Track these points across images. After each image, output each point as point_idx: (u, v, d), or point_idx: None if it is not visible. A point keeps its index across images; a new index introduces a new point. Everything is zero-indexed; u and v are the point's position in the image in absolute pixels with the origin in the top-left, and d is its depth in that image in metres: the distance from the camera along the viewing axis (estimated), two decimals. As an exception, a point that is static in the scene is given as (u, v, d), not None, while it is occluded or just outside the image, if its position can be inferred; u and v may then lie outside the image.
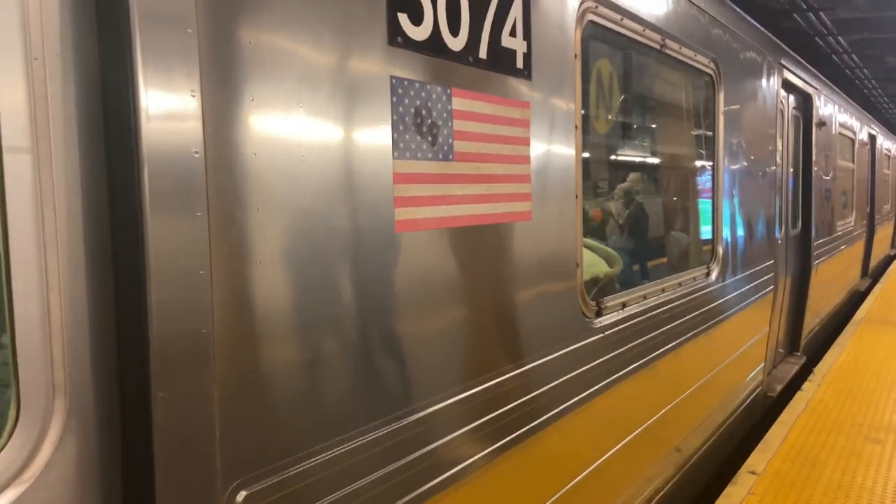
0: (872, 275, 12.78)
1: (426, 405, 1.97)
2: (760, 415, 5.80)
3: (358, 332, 1.77)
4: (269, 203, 1.52)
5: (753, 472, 4.32)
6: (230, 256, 1.45)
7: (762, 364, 5.69)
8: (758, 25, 5.31)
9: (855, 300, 10.77)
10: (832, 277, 8.49)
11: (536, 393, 2.47)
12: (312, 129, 1.62)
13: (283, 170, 1.55)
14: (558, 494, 2.71)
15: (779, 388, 6.06)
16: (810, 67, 7.19)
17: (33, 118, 1.17)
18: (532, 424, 2.46)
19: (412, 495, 1.91)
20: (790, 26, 12.11)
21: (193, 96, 1.35)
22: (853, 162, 10.05)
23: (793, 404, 5.58)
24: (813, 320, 7.60)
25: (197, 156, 1.36)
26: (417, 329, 1.96)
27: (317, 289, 1.65)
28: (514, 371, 2.36)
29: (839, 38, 13.59)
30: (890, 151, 15.16)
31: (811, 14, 11.55)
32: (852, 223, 9.96)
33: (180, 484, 1.35)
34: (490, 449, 2.25)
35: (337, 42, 1.69)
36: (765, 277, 5.42)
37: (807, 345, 7.36)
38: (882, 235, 13.99)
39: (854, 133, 10.06)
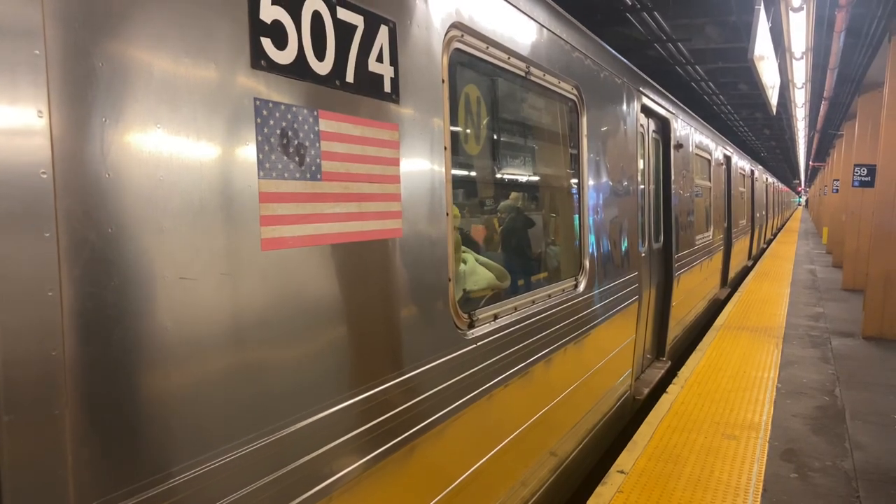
0: (731, 284, 13.85)
1: (297, 419, 2.00)
2: (629, 417, 6.16)
3: (224, 351, 1.77)
4: (124, 224, 1.51)
5: (622, 472, 4.57)
6: (82, 278, 1.42)
7: (630, 369, 6.01)
8: (617, 55, 5.64)
9: (716, 308, 11.65)
10: (693, 287, 9.10)
11: (413, 401, 2.56)
12: (171, 150, 1.63)
13: (140, 190, 1.55)
14: (437, 499, 2.79)
15: (646, 391, 6.43)
16: (667, 94, 7.76)
17: None
18: (410, 431, 2.54)
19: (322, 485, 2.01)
20: (653, 55, 12.97)
21: (41, 116, 1.34)
22: (710, 181, 10.80)
23: (658, 406, 5.94)
24: (676, 327, 8.11)
25: (45, 176, 1.35)
26: (288, 345, 1.99)
27: (178, 307, 1.64)
28: (391, 381, 2.44)
29: (697, 66, 14.66)
30: (744, 170, 16.43)
31: (670, 45, 12.41)
32: (711, 237, 10.73)
33: None
34: (369, 456, 2.31)
35: (197, 63, 1.70)
36: (630, 288, 5.73)
37: (672, 350, 7.86)
38: (739, 248, 15.13)
39: (710, 154, 10.77)
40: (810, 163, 40.58)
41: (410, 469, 2.60)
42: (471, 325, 3.06)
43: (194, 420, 1.69)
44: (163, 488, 1.58)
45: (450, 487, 2.89)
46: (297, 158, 2.00)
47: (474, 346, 3.03)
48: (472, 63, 3.24)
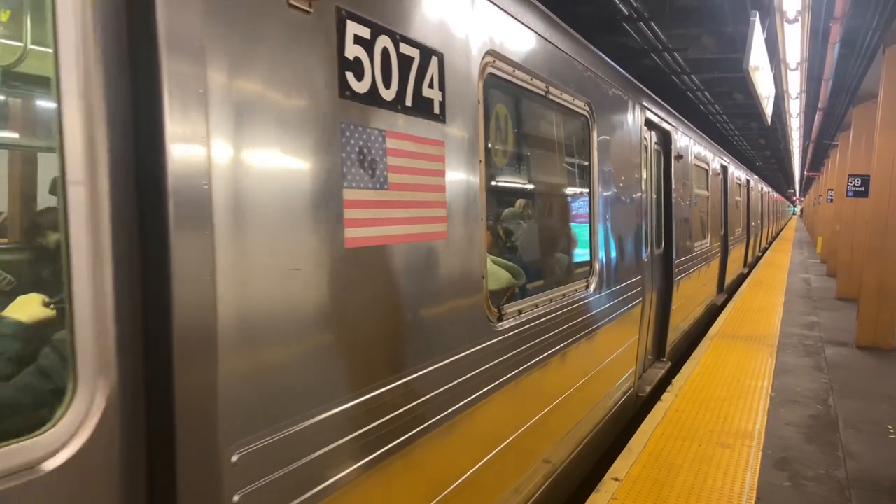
0: (728, 291, 14.11)
1: (374, 387, 2.39)
2: (633, 412, 6.41)
3: (318, 326, 2.14)
4: (252, 223, 1.87)
5: (616, 479, 4.59)
6: (228, 266, 1.78)
7: (633, 368, 6.31)
8: (623, 72, 5.96)
9: (713, 312, 11.87)
10: (691, 292, 9.42)
11: (455, 382, 2.93)
12: (285, 165, 2.00)
13: (263, 197, 1.91)
14: (480, 464, 3.23)
15: (648, 389, 6.68)
16: (668, 107, 8.08)
17: (88, 159, 1.53)
18: (451, 409, 2.90)
19: (374, 455, 2.38)
20: (650, 64, 13.05)
21: (203, 143, 1.71)
22: (708, 190, 11.17)
23: (653, 414, 5.96)
24: (676, 330, 8.38)
25: (205, 187, 1.71)
26: (363, 326, 2.36)
27: (291, 291, 2.01)
28: (439, 363, 2.81)
29: (693, 76, 14.76)
30: (740, 180, 16.79)
31: (667, 54, 12.49)
32: (708, 244, 11.02)
33: (195, 448, 1.70)
34: (428, 423, 2.73)
35: (301, 95, 2.06)
36: (634, 291, 6.03)
37: (671, 351, 8.13)
38: (735, 256, 15.42)
39: (708, 164, 11.14)
40: (805, 172, 40.77)
41: (457, 436, 3.00)
42: (500, 319, 3.40)
43: (299, 382, 2.05)
44: (280, 436, 1.97)
45: (489, 456, 3.32)
46: (370, 171, 2.36)
47: (502, 336, 3.38)
48: (501, 85, 3.58)
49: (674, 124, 8.06)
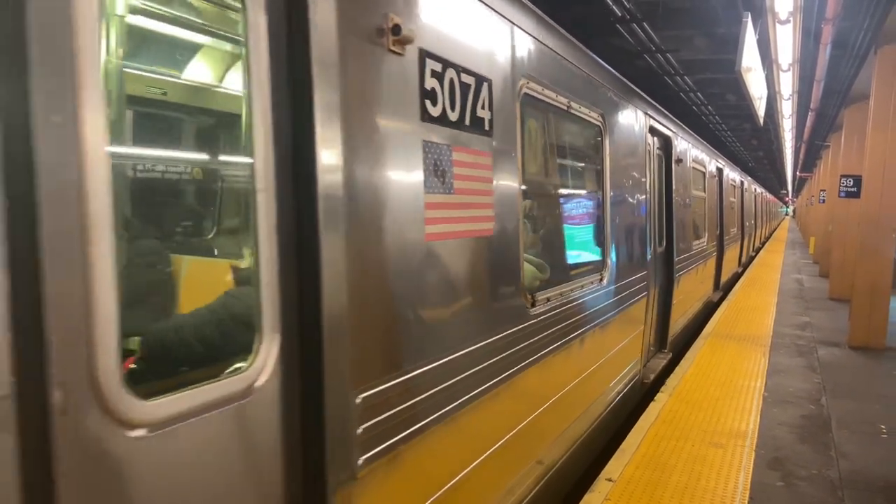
0: (723, 288, 14.44)
1: (448, 354, 2.95)
2: (639, 397, 6.89)
3: (409, 300, 2.67)
4: (367, 222, 2.41)
5: (610, 479, 4.59)
6: (351, 253, 2.30)
7: (639, 356, 6.83)
8: (631, 84, 6.47)
9: (710, 308, 12.15)
10: (690, 289, 9.86)
11: (499, 357, 3.44)
12: (386, 176, 2.51)
13: (373, 202, 2.43)
14: (522, 424, 3.81)
15: (652, 376, 7.17)
16: (669, 114, 8.46)
17: (267, 173, 2.06)
18: (497, 379, 3.42)
19: (455, 403, 2.98)
20: (643, 66, 13.06)
21: (339, 160, 2.24)
22: (704, 192, 11.53)
23: (646, 414, 5.96)
24: (677, 323, 8.83)
25: (340, 195, 2.24)
26: (439, 304, 2.93)
27: (389, 276, 2.53)
28: (490, 339, 3.33)
29: (685, 77, 14.79)
30: (735, 182, 17.14)
31: (660, 55, 12.51)
32: (705, 244, 11.39)
33: (335, 390, 2.23)
34: (484, 386, 3.28)
35: (400, 120, 2.60)
36: (640, 285, 6.56)
37: (672, 344, 8.53)
38: (731, 255, 15.74)
39: (705, 167, 11.52)
40: (797, 173, 40.93)
41: (501, 403, 3.52)
42: (533, 305, 3.92)
43: (397, 345, 2.61)
44: (386, 384, 2.52)
45: (527, 419, 3.89)
46: (441, 179, 2.87)
47: (535, 320, 3.91)
48: (533, 102, 4.08)
49: (674, 130, 8.55)
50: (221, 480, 1.91)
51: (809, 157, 30.36)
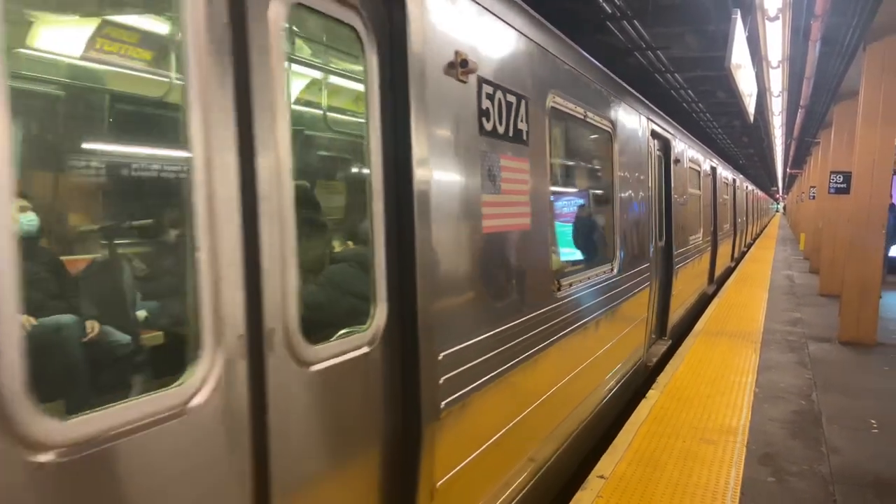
0: (717, 282, 14.98)
1: (497, 326, 3.57)
2: (643, 377, 7.53)
3: (475, 284, 3.34)
4: (444, 216, 2.99)
5: (602, 477, 4.59)
6: (433, 246, 2.88)
7: (643, 341, 7.49)
8: (635, 93, 7.13)
9: (704, 301, 12.73)
10: (687, 281, 10.60)
11: (531, 334, 4.03)
12: (456, 179, 3.15)
13: (446, 200, 3.03)
14: (548, 394, 4.40)
15: (654, 360, 7.89)
16: (668, 118, 9.17)
17: (379, 178, 2.69)
18: (530, 352, 4.00)
19: (500, 369, 3.58)
20: (634, 63, 13.06)
21: (426, 167, 2.83)
22: (700, 189, 12.05)
23: (638, 412, 5.97)
24: (675, 313, 9.53)
25: (426, 192, 2.83)
26: (494, 285, 3.57)
27: (460, 260, 3.19)
28: (528, 315, 3.97)
29: (676, 75, 14.80)
30: (728, 180, 17.62)
31: (650, 53, 12.52)
32: (700, 239, 12.00)
33: (426, 348, 2.84)
34: (520, 358, 3.87)
35: (463, 134, 3.21)
36: (644, 276, 7.19)
37: (671, 331, 9.18)
38: (724, 250, 16.20)
39: (700, 166, 12.04)
40: (788, 170, 41.09)
41: (533, 372, 4.11)
42: (558, 289, 4.55)
43: (464, 318, 3.26)
44: (459, 347, 3.17)
45: (556, 385, 4.56)
46: (493, 182, 3.50)
47: (559, 302, 4.53)
48: (558, 114, 4.64)
49: (672, 133, 9.23)
50: (353, 405, 2.57)
51: (799, 154, 30.48)
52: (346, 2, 2.45)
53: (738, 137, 29.89)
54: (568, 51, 4.84)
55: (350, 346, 2.52)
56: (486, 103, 3.36)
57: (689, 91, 17.10)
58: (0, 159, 1.41)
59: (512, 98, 3.67)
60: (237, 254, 2.01)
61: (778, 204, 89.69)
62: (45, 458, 1.42)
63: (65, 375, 2.31)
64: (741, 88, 9.68)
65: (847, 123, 12.40)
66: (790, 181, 53.93)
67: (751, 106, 12.05)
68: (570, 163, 5.81)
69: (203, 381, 1.88)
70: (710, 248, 13.44)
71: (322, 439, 2.37)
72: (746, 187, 26.70)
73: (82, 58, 3.37)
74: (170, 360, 1.99)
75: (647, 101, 7.72)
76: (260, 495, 2.04)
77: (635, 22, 10.78)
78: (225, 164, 1.97)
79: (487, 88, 3.38)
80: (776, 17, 7.54)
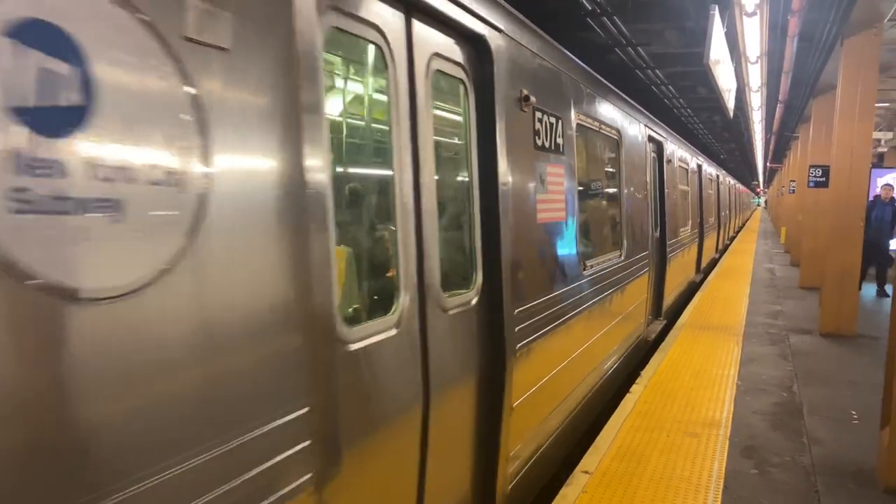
0: (703, 272, 15.89)
1: (547, 294, 4.62)
2: (644, 350, 8.60)
3: (531, 260, 4.32)
4: (516, 212, 3.98)
5: (586, 472, 4.61)
6: (509, 232, 3.83)
7: (644, 318, 8.54)
8: (637, 105, 8.39)
9: (692, 288, 13.79)
10: (678, 268, 11.65)
11: (566, 302, 5.03)
12: (522, 183, 4.15)
13: (515, 199, 4.01)
14: (576, 353, 5.37)
15: (653, 336, 9.02)
16: (662, 123, 10.40)
17: (475, 185, 3.71)
18: (564, 318, 4.97)
19: (548, 327, 4.60)
20: (615, 59, 13.13)
21: (506, 175, 3.84)
22: (688, 186, 13.11)
23: (622, 407, 6.00)
24: (669, 296, 10.58)
25: (507, 192, 3.84)
26: (545, 262, 4.64)
27: (523, 243, 4.14)
28: (564, 288, 5.01)
29: (657, 71, 14.88)
30: (712, 176, 18.52)
31: (630, 49, 12.57)
32: (689, 230, 13.02)
33: (507, 304, 3.82)
34: (557, 322, 4.82)
35: (525, 148, 4.22)
36: (644, 262, 8.24)
37: (666, 312, 10.27)
38: (709, 242, 17.06)
39: (687, 164, 13.15)
40: (768, 164, 41.44)
41: (566, 335, 5.08)
42: (584, 269, 5.58)
43: (532, 283, 4.35)
44: (526, 305, 4.19)
45: (582, 347, 5.54)
46: (542, 185, 4.52)
47: (585, 279, 5.56)
48: (581, 128, 5.65)
49: (665, 136, 10.45)
50: (467, 339, 3.56)
51: (779, 148, 30.75)
52: (461, 65, 3.52)
53: (719, 132, 30.13)
54: (588, 77, 5.96)
55: (465, 300, 3.52)
56: (537, 125, 4.44)
57: (670, 87, 17.21)
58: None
59: (553, 119, 4.76)
60: (412, 237, 3.04)
61: (759, 198, 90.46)
62: (350, 347, 2.55)
63: (362, 301, 3.25)
64: (720, 84, 9.75)
65: (825, 117, 12.53)
66: (771, 175, 54.40)
67: (730, 101, 12.14)
68: (589, 166, 6.62)
69: (402, 311, 2.95)
70: (697, 239, 14.39)
71: (451, 358, 3.39)
72: (729, 182, 27.40)
73: (340, 115, 3.96)
74: (389, 299, 2.98)
75: (646, 112, 9.14)
76: (425, 384, 3.12)
77: (615, 18, 10.83)
78: (407, 181, 3.01)
79: (538, 114, 4.45)
80: (754, 13, 7.60)
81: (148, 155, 1.69)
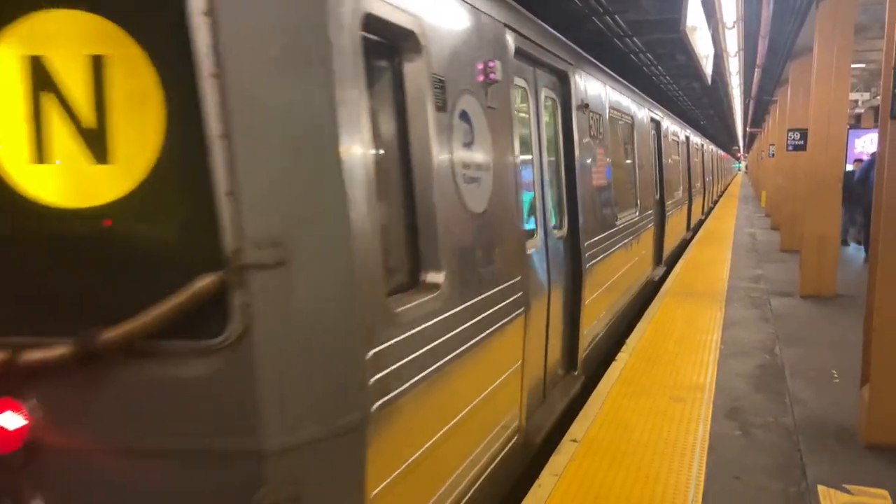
0: (692, 229, 17.73)
1: (599, 234, 6.54)
2: (652, 287, 10.43)
3: (595, 212, 6.48)
4: (584, 178, 6.04)
5: (574, 441, 4.67)
6: (581, 192, 5.85)
7: (650, 265, 10.58)
8: (644, 95, 11.14)
9: (683, 244, 15.45)
10: (673, 225, 13.52)
11: (609, 241, 6.90)
12: (585, 160, 6.15)
13: (584, 171, 6.01)
14: (614, 278, 7.40)
15: (656, 278, 10.90)
16: (661, 106, 13.06)
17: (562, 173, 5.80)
18: (608, 251, 6.86)
19: (599, 257, 6.52)
20: (591, 28, 13.03)
21: (578, 156, 5.87)
22: (679, 156, 15.30)
23: (608, 375, 6.07)
24: (667, 248, 12.49)
25: (579, 166, 5.85)
26: (599, 211, 6.69)
27: (590, 199, 6.26)
28: (608, 231, 6.90)
29: (634, 39, 14.80)
30: (697, 144, 20.74)
31: (607, 17, 12.49)
32: (681, 194, 15.18)
33: (583, 240, 5.95)
34: (605, 253, 6.77)
35: (585, 139, 6.08)
36: (650, 219, 10.27)
37: (665, 261, 12.27)
38: (696, 205, 18.70)
39: (678, 137, 15.33)
40: (748, 129, 41.63)
41: (611, 264, 7.05)
42: (616, 220, 7.40)
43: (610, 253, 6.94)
44: (595, 261, 6.30)
45: (617, 274, 7.58)
46: (594, 160, 6.49)
47: (617, 227, 7.45)
48: (612, 118, 7.49)
49: (661, 115, 12.66)
50: (564, 258, 5.61)
51: (758, 113, 30.87)
52: (557, 90, 5.62)
53: (698, 99, 30.11)
54: (614, 80, 8.13)
55: (561, 234, 5.54)
56: (590, 122, 6.29)
57: (649, 55, 17.15)
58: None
59: (597, 116, 6.65)
60: (541, 198, 5.10)
61: (740, 163, 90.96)
62: (529, 251, 4.62)
63: None
64: (698, 51, 9.75)
65: (803, 80, 12.58)
66: (750, 140, 54.66)
67: (708, 67, 12.17)
68: (615, 145, 8.02)
69: (539, 237, 5.02)
70: (686, 202, 16.36)
71: (556, 267, 5.37)
72: (711, 150, 29.04)
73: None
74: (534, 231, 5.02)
75: (650, 99, 11.80)
76: (548, 280, 5.14)
77: (591, -14, 10.74)
78: (536, 165, 5.07)
79: (591, 114, 6.34)
80: (729, -22, 7.58)
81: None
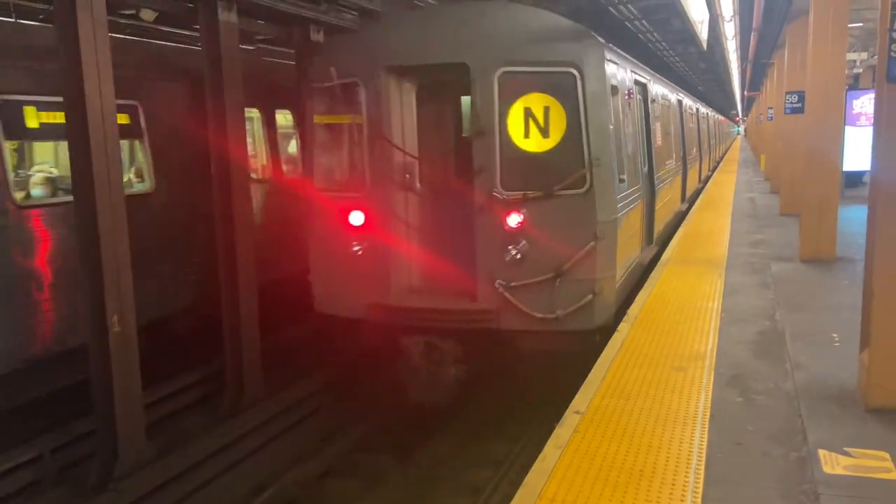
0: (703, 181, 21.09)
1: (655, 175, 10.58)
2: (680, 218, 14.04)
3: (658, 164, 10.90)
4: (657, 141, 11.18)
5: (578, 412, 4.71)
6: (654, 153, 10.66)
7: (679, 202, 14.39)
8: (673, 85, 15.04)
9: (696, 193, 18.56)
10: (691, 176, 16.72)
11: (665, 179, 11.64)
12: (649, 131, 10.36)
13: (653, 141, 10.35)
14: (661, 203, 10.98)
15: (684, 208, 14.88)
16: (681, 89, 17.25)
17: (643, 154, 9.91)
18: (664, 182, 11.47)
19: (658, 185, 10.80)
20: (586, -3, 12.92)
21: (651, 132, 10.46)
22: (693, 124, 17.98)
23: (610, 345, 6.08)
24: (689, 191, 16.18)
25: (651, 136, 10.49)
26: (661, 162, 11.23)
27: (657, 157, 10.76)
28: (662, 171, 11.37)
29: (629, 6, 14.68)
30: (692, 110, 20.17)
31: (601, -17, 12.36)
32: (673, 163, 15.65)
33: (656, 175, 10.64)
34: (660, 184, 11.07)
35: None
36: (680, 169, 14.07)
37: (688, 199, 15.97)
38: (692, 174, 18.66)
39: (669, 101, 15.40)
40: (745, 93, 41.35)
41: (661, 194, 10.98)
42: (660, 170, 11.07)
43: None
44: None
45: (662, 202, 11.14)
46: (651, 132, 10.36)
47: (661, 172, 11.10)
48: (656, 102, 11.17)
49: (682, 96, 16.12)
50: (647, 183, 9.79)
51: (756, 77, 30.64)
52: (638, 94, 9.10)
53: (695, 64, 29.90)
54: (655, 76, 11.11)
55: (645, 171, 9.37)
56: (650, 107, 9.83)
57: (644, 21, 17.01)
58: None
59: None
60: (645, 157, 9.55)
61: (738, 127, 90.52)
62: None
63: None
64: (692, 15, 9.67)
65: (800, 43, 12.47)
66: (749, 104, 54.33)
67: (703, 32, 12.05)
68: (655, 122, 10.60)
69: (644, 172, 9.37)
70: (681, 172, 17.04)
71: (646, 187, 9.41)
72: (708, 114, 28.06)
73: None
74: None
75: (676, 87, 15.69)
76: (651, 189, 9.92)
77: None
78: (642, 140, 9.70)
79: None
80: (723, -59, 7.47)
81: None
